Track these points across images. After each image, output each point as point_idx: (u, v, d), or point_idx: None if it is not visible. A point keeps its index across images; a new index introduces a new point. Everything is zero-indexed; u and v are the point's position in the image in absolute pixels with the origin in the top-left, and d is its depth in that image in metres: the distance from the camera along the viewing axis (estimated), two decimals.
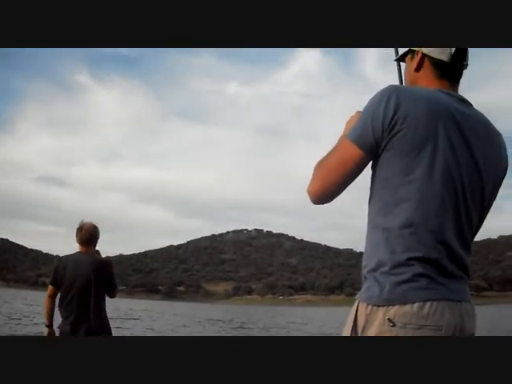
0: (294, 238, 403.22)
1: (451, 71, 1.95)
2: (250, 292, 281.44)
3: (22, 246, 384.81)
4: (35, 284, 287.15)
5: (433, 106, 1.82)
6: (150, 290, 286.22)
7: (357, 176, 1.96)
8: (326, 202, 2.03)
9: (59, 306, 5.44)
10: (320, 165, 1.97)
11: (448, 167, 1.81)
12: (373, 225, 1.93)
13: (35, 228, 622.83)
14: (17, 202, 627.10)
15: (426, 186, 1.79)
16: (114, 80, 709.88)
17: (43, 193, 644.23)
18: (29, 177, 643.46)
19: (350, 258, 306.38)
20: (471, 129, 1.88)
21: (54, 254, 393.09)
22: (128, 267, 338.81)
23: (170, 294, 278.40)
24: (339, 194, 2.00)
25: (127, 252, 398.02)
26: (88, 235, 5.49)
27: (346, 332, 1.87)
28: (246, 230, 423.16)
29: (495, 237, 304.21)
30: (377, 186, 1.91)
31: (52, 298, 5.53)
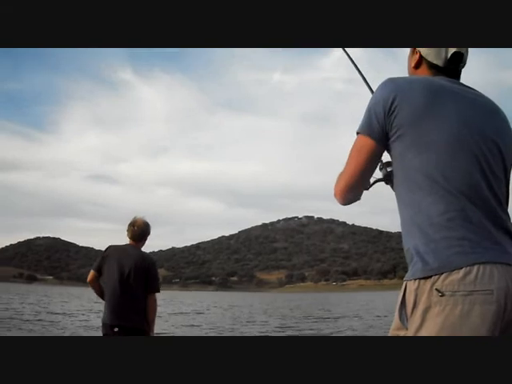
0: (344, 223, 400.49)
1: (448, 72, 1.99)
2: (303, 279, 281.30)
3: (74, 244, 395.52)
4: None
5: (429, 83, 1.90)
6: (204, 282, 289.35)
7: (375, 164, 1.98)
8: (355, 199, 2.05)
9: (104, 296, 5.44)
10: (343, 167, 2.01)
11: (461, 126, 1.83)
12: (401, 201, 1.93)
13: (86, 225, 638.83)
14: (66, 201, 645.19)
15: (444, 146, 1.81)
16: (157, 75, 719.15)
17: (92, 190, 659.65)
18: (77, 175, 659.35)
19: (401, 241, 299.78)
20: (473, 101, 1.93)
21: None
22: (181, 260, 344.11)
23: (224, 285, 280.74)
24: (364, 186, 2.03)
25: (179, 245, 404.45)
26: (140, 231, 5.52)
27: (396, 314, 1.85)
28: (297, 217, 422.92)
29: None
30: (397, 165, 1.93)
31: (92, 282, 5.47)
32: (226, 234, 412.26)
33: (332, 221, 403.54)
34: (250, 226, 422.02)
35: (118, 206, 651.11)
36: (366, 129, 1.92)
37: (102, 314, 5.39)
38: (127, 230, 5.51)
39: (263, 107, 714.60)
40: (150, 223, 5.65)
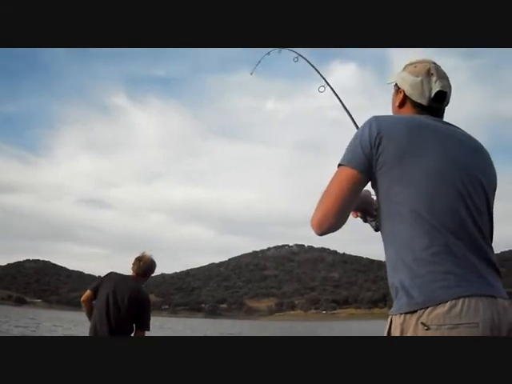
0: (335, 251, 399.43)
1: (431, 111, 2.05)
2: (293, 307, 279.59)
3: (65, 268, 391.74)
4: (78, 305, 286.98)
5: (413, 122, 1.96)
6: (193, 309, 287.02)
7: (356, 197, 2.00)
8: (333, 230, 2.01)
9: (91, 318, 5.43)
10: (320, 198, 1.99)
11: (446, 163, 1.88)
12: (385, 236, 1.97)
13: (77, 250, 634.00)
14: (58, 225, 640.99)
15: (428, 182, 1.84)
16: (151, 101, 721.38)
17: (84, 215, 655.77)
18: (69, 199, 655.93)
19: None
20: (456, 139, 1.98)
21: (97, 275, 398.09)
22: (171, 286, 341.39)
23: (213, 312, 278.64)
24: (344, 219, 2.00)
25: (169, 271, 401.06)
26: (145, 267, 5.55)
27: None
28: (288, 245, 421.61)
29: None
30: (381, 199, 1.94)
31: (85, 302, 5.50)
32: (216, 261, 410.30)
33: (323, 249, 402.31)
34: (240, 254, 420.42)
35: (111, 230, 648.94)
36: (350, 160, 1.94)
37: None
38: (133, 263, 5.53)
39: (256, 135, 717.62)
40: (155, 261, 5.68)
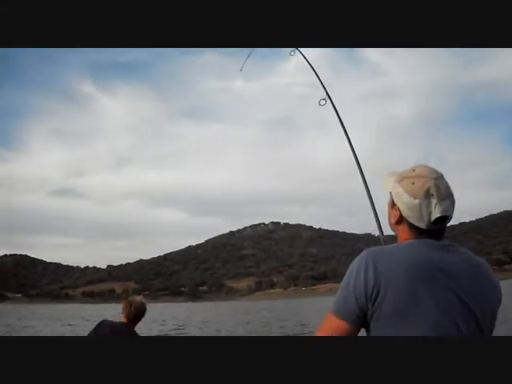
0: (311, 227, 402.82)
1: (431, 233, 1.92)
2: (272, 286, 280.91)
3: (42, 260, 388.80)
4: (58, 296, 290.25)
5: (412, 267, 1.80)
6: (173, 293, 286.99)
7: None
8: None
9: None
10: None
11: (441, 316, 1.79)
12: None
13: (53, 241, 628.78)
14: (33, 217, 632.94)
15: (424, 334, 1.76)
16: (119, 87, 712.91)
17: (58, 205, 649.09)
18: (42, 191, 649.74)
19: (369, 243, 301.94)
20: (456, 276, 1.84)
21: (74, 266, 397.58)
22: (149, 272, 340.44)
23: (194, 295, 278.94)
24: None
25: (147, 257, 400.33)
26: (136, 312, 5.41)
27: None
28: (263, 223, 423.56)
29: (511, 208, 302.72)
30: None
31: None
32: (194, 244, 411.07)
33: (299, 225, 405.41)
34: (216, 235, 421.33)
35: (85, 219, 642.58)
36: (341, 311, 1.85)
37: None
38: (123, 308, 5.42)
39: (226, 115, 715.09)
40: (145, 304, 5.55)
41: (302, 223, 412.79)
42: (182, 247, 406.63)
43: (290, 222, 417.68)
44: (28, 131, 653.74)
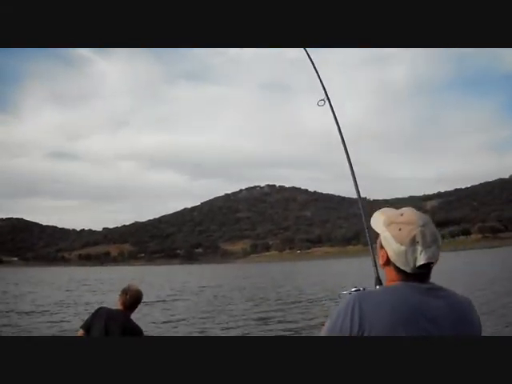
0: (307, 190, 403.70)
1: (416, 276, 1.97)
2: (268, 248, 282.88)
3: (38, 224, 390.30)
4: (55, 259, 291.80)
5: (395, 312, 1.85)
6: (169, 255, 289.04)
7: None
8: None
9: None
10: None
11: None
12: None
13: (49, 204, 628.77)
14: (28, 180, 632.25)
15: None
16: (115, 50, 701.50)
17: (54, 168, 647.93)
18: (38, 154, 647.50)
19: (365, 207, 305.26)
20: (439, 321, 1.88)
21: (70, 229, 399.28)
22: (145, 234, 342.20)
23: (189, 257, 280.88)
24: None
25: (143, 219, 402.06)
26: (132, 300, 5.56)
27: None
28: (259, 186, 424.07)
29: (507, 176, 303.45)
30: None
31: None
32: (189, 206, 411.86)
33: (294, 189, 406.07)
34: (212, 197, 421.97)
35: (81, 182, 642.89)
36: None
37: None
38: (119, 295, 5.53)
39: (222, 77, 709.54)
40: (142, 292, 5.69)
41: (298, 186, 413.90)
42: (178, 210, 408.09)
43: (286, 185, 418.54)
44: (24, 94, 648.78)
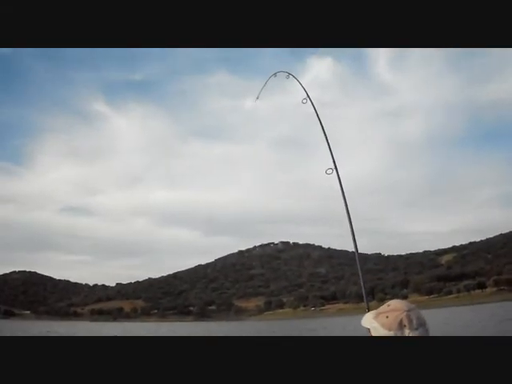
0: (320, 246, 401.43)
1: None
2: (281, 306, 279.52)
3: (51, 278, 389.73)
4: (67, 314, 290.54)
5: None
6: (182, 312, 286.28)
7: None
8: None
9: None
10: None
11: None
12: None
13: (62, 258, 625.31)
14: (42, 234, 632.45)
15: None
16: (131, 106, 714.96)
17: (68, 223, 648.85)
18: (52, 208, 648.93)
19: (379, 263, 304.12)
20: None
21: (83, 283, 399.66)
22: (158, 290, 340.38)
23: (202, 314, 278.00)
24: None
25: (156, 275, 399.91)
26: None
27: None
28: (273, 243, 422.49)
29: None
30: None
31: None
32: (203, 263, 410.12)
33: (308, 245, 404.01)
34: (226, 254, 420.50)
35: (95, 237, 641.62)
36: None
37: None
38: None
39: (237, 134, 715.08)
40: None
41: (311, 243, 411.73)
42: (192, 266, 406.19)
43: (300, 242, 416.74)
44: (39, 148, 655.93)
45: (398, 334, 1.97)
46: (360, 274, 3.88)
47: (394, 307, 2.08)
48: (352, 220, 3.13)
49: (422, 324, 2.02)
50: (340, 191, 4.09)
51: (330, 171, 4.18)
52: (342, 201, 4.00)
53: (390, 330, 2.01)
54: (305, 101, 4.52)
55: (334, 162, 4.15)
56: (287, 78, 4.52)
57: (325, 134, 4.38)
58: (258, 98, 4.62)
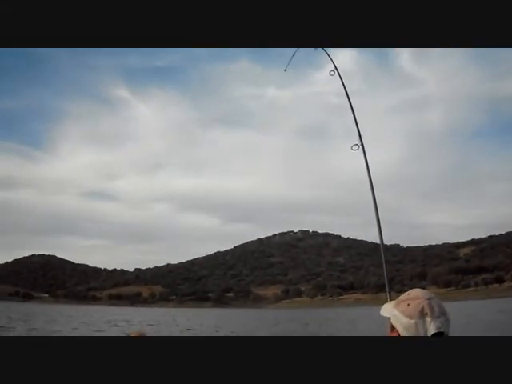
0: (340, 236, 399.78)
1: None
2: (299, 294, 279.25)
3: (70, 262, 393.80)
4: (85, 298, 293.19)
5: None
6: (200, 298, 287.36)
7: None
8: None
9: None
10: None
11: None
12: None
13: (82, 243, 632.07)
14: (63, 218, 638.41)
15: None
16: (152, 92, 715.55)
17: (88, 207, 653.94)
18: (73, 192, 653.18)
19: (397, 254, 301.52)
20: None
21: (102, 268, 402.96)
22: (177, 276, 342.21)
23: (220, 301, 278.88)
24: None
25: (175, 261, 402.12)
26: None
27: None
28: (292, 231, 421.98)
29: None
30: None
31: None
32: (222, 250, 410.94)
33: (327, 234, 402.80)
34: (245, 241, 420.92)
35: (115, 222, 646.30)
36: None
37: None
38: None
39: (258, 122, 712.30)
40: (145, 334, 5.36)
41: (331, 232, 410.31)
42: (210, 253, 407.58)
43: (319, 231, 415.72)
44: (60, 133, 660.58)
45: (420, 322, 1.99)
46: (384, 265, 3.64)
47: (415, 295, 2.10)
48: (372, 211, 3.20)
49: (443, 313, 2.04)
50: (365, 168, 4.00)
51: (355, 147, 4.14)
52: (368, 179, 3.91)
53: (411, 317, 2.02)
54: (332, 73, 4.55)
55: (360, 137, 4.06)
56: (315, 50, 4.48)
57: (351, 106, 4.29)
58: (285, 70, 4.43)
